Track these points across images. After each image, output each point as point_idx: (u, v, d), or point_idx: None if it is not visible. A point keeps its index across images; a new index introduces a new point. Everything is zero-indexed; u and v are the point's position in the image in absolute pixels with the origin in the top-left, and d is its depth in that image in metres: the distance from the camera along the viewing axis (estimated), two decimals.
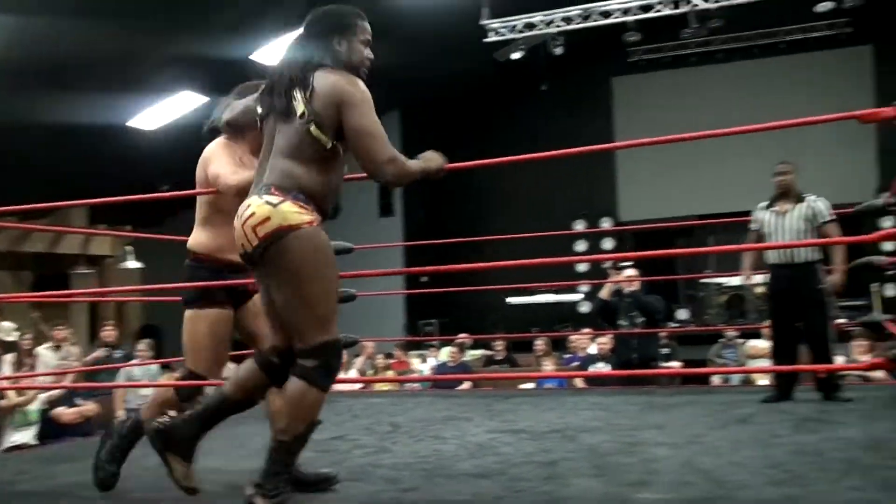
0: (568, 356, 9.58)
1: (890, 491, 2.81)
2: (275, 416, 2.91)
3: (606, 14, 11.36)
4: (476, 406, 5.54)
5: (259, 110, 2.84)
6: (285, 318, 2.71)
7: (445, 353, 10.26)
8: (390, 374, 10.14)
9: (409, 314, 15.56)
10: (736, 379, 8.41)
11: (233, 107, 3.31)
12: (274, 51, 10.77)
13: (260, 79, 3.07)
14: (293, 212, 2.60)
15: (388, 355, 10.67)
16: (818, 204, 5.54)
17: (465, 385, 8.70)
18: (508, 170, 14.87)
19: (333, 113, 2.66)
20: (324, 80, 2.69)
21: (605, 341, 8.21)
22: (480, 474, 3.32)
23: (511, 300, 14.97)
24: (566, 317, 14.53)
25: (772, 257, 5.62)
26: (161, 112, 11.51)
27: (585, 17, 11.39)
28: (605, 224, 15.15)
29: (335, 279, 2.73)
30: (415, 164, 2.83)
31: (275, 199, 2.61)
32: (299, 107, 2.67)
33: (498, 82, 14.66)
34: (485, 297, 14.67)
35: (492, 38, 11.72)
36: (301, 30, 2.86)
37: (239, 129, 3.29)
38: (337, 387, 7.87)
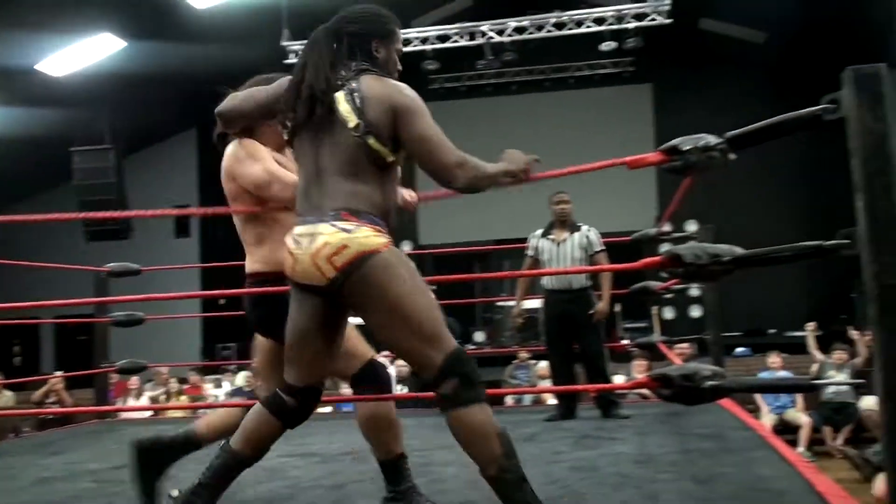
0: None
1: (657, 502, 3.02)
2: (472, 457, 2.44)
3: (406, 42, 11.61)
4: None
5: (285, 121, 2.56)
6: (393, 347, 2.55)
7: (242, 378, 10.08)
8: (184, 399, 9.85)
9: (206, 337, 15.16)
10: (528, 399, 8.74)
11: (231, 96, 2.85)
12: None
13: (275, 73, 2.85)
14: (370, 236, 2.40)
15: (183, 380, 10.35)
16: (591, 234, 5.89)
17: None
18: None
19: (389, 122, 2.42)
20: (373, 87, 2.44)
21: (403, 364, 8.34)
22: (269, 499, 3.31)
23: None
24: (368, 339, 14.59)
25: (549, 283, 5.88)
26: (74, 56, 10.75)
27: None
28: (406, 248, 15.37)
29: (429, 290, 2.51)
30: (492, 167, 2.53)
31: (350, 226, 2.39)
32: (350, 117, 2.42)
33: None
34: None
35: (292, 59, 11.70)
36: (330, 25, 2.57)
37: (240, 120, 2.85)
38: (124, 415, 7.59)
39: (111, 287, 5.86)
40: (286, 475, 3.82)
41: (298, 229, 2.47)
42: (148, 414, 7.61)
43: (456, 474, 3.70)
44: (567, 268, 5.80)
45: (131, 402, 9.36)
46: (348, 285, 2.39)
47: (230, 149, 3.04)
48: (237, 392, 9.69)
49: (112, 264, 5.62)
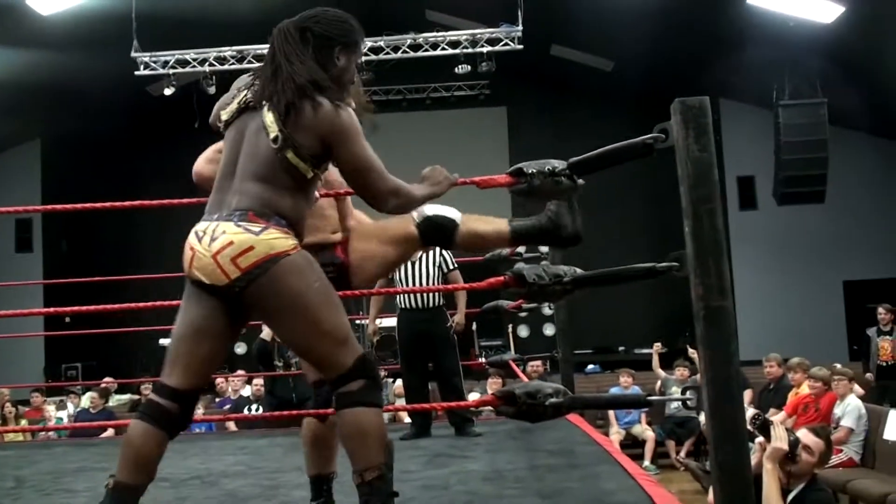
0: (220, 399, 9.43)
1: None
2: (352, 456, 2.41)
3: (260, 58, 11.49)
4: (113, 455, 5.23)
5: (223, 111, 2.51)
6: (303, 351, 2.49)
7: (87, 399, 9.68)
8: (24, 422, 9.36)
9: (50, 357, 14.49)
10: (385, 417, 8.73)
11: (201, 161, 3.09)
12: None
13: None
14: (279, 238, 2.32)
15: (24, 402, 9.84)
16: (445, 253, 5.87)
17: (108, 433, 8.26)
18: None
19: (317, 143, 2.36)
20: (312, 106, 2.35)
21: (259, 383, 8.22)
22: None
23: (164, 341, 14.45)
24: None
25: (404, 302, 5.89)
26: None
27: (241, 59, 11.47)
28: None
29: (336, 294, 2.46)
30: (420, 190, 2.56)
31: (255, 227, 2.31)
32: (272, 128, 2.35)
33: (153, 116, 14.26)
34: (134, 338, 14.01)
35: (143, 71, 11.40)
36: (297, 21, 2.47)
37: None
38: None
39: None
40: None
41: (201, 224, 2.39)
42: None
43: (306, 496, 3.67)
44: (421, 286, 5.79)
45: None
46: (254, 288, 2.31)
47: None
48: (83, 413, 9.29)
49: None
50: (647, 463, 9.12)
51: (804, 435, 4.01)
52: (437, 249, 5.86)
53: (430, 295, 5.77)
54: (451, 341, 5.85)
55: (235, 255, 2.30)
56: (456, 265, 5.91)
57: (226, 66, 11.55)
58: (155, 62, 11.38)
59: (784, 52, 11.04)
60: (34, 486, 4.22)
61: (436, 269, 5.83)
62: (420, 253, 5.84)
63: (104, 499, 2.43)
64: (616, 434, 9.47)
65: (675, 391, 9.32)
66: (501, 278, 2.65)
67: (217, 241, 2.32)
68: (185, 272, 2.41)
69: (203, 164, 3.09)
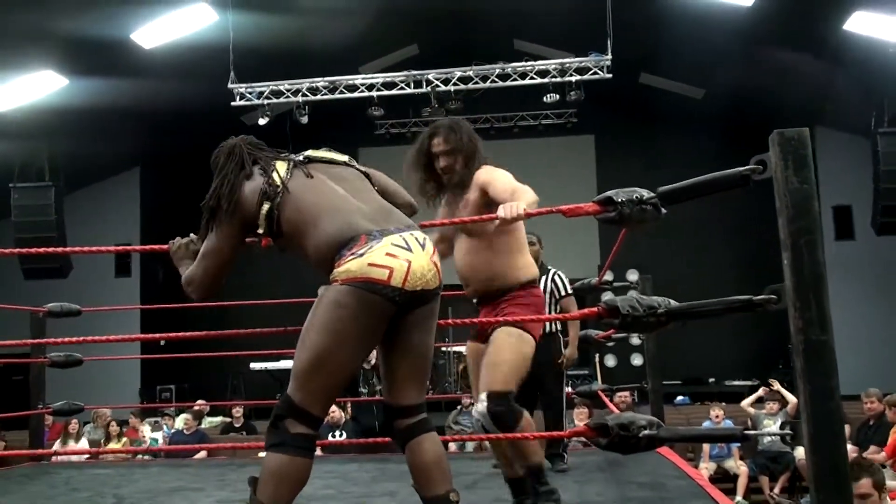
0: None
1: None
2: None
3: (352, 88, 11.73)
4: (208, 476, 5.41)
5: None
6: (426, 366, 2.68)
7: (181, 421, 9.93)
8: (125, 441, 9.67)
9: (145, 380, 14.91)
10: (470, 446, 8.72)
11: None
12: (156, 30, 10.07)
13: None
14: None
15: (121, 422, 10.16)
16: (558, 278, 5.64)
17: (201, 454, 8.45)
18: None
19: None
20: None
21: (334, 409, 8.35)
22: None
23: (255, 366, 14.75)
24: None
25: None
26: (15, 91, 10.57)
27: (332, 90, 11.69)
28: None
29: None
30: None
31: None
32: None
33: None
34: (226, 363, 14.34)
35: (239, 101, 11.74)
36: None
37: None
38: (60, 458, 7.42)
39: (48, 327, 5.75)
40: None
41: (395, 238, 2.53)
42: (85, 457, 7.44)
43: None
44: None
45: (72, 445, 9.14)
46: (429, 297, 2.59)
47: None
48: (177, 434, 9.53)
49: (51, 304, 5.51)
50: (739, 498, 8.89)
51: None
52: (549, 274, 5.63)
53: (547, 322, 5.38)
54: (560, 372, 5.51)
55: (438, 261, 2.58)
56: (570, 291, 5.64)
57: (318, 97, 11.81)
58: (250, 93, 11.71)
59: (882, 79, 10.75)
60: None
61: (547, 295, 5.52)
62: None
63: None
64: (706, 469, 9.26)
65: (767, 424, 9.08)
66: (595, 309, 2.64)
67: (428, 244, 2.56)
68: (395, 287, 2.46)
69: None
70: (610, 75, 11.49)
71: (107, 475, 5.63)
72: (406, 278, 2.45)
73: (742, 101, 13.58)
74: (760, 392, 9.79)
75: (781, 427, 8.61)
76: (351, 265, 2.44)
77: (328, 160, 2.81)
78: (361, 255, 2.44)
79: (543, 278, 5.54)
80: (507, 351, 3.30)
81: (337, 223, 2.54)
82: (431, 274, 2.52)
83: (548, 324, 5.44)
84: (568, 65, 11.72)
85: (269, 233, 2.66)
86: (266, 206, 2.63)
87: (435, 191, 3.53)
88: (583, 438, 7.20)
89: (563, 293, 5.59)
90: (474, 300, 3.57)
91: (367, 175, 2.87)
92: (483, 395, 3.14)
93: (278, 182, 2.65)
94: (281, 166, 2.72)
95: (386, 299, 2.44)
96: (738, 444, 9.48)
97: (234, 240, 2.73)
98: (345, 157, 2.87)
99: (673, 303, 2.50)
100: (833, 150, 13.81)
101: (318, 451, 7.92)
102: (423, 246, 2.53)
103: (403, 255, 2.46)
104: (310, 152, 2.83)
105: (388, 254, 2.45)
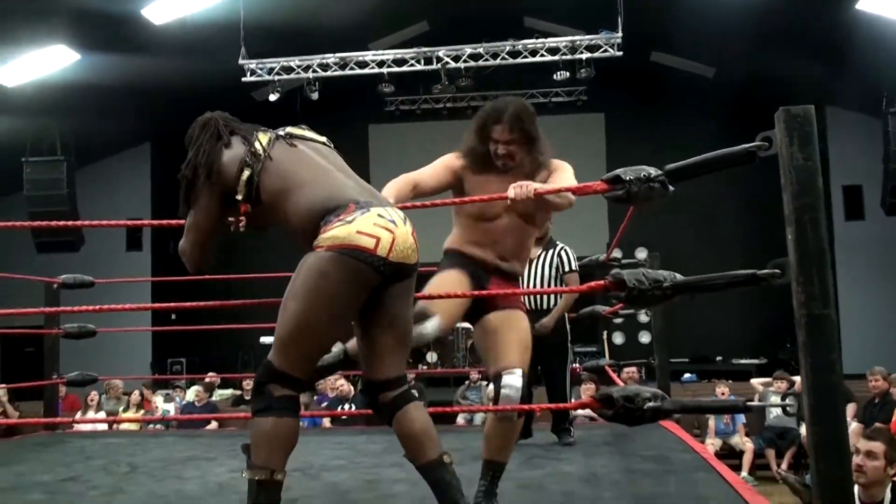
0: (317, 397, 9.66)
1: None
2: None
3: (362, 64, 11.73)
4: (220, 446, 5.48)
5: None
6: (408, 339, 2.72)
7: (193, 393, 10.04)
8: (142, 412, 9.80)
9: (156, 352, 15.04)
10: (479, 419, 8.81)
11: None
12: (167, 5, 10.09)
13: None
14: None
15: (133, 394, 10.27)
16: (564, 253, 5.54)
17: (212, 425, 8.55)
18: None
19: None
20: None
21: (342, 383, 8.50)
22: None
23: (265, 339, 14.82)
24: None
25: None
26: (26, 66, 10.61)
27: (343, 66, 11.70)
28: None
29: None
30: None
31: None
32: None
33: (258, 121, 14.64)
34: (236, 336, 14.43)
35: (249, 77, 11.76)
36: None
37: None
38: (74, 427, 7.53)
39: (61, 299, 5.81)
40: (238, 490, 3.76)
41: (380, 209, 2.56)
42: (99, 426, 7.55)
43: (405, 491, 3.76)
44: (536, 287, 5.44)
45: (91, 415, 9.28)
46: (406, 271, 2.61)
47: None
48: (188, 406, 9.64)
49: (65, 276, 5.58)
50: (744, 473, 8.95)
51: (861, 443, 3.89)
52: (556, 249, 5.54)
53: (546, 297, 5.42)
54: (564, 347, 5.50)
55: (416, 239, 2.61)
56: (576, 267, 5.53)
57: (328, 73, 11.82)
58: (261, 69, 11.73)
59: (894, 59, 10.71)
60: (147, 473, 4.43)
61: (552, 269, 5.48)
62: (538, 251, 5.51)
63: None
64: (711, 444, 9.32)
65: (775, 401, 9.12)
66: (602, 282, 2.68)
67: (409, 222, 2.60)
68: (380, 257, 2.49)
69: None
70: (620, 53, 11.48)
71: (120, 444, 5.71)
72: (391, 249, 2.49)
73: (753, 80, 13.53)
74: (771, 380, 9.82)
75: (783, 398, 8.68)
76: (339, 231, 2.46)
77: (309, 138, 2.85)
78: (350, 221, 2.46)
79: (550, 252, 5.51)
80: (528, 336, 3.37)
81: (325, 190, 2.58)
82: (412, 249, 2.57)
83: (548, 299, 5.45)
84: (578, 42, 11.70)
85: (247, 199, 2.68)
86: (247, 173, 2.66)
87: (485, 165, 3.39)
88: (590, 413, 7.31)
89: (566, 269, 5.51)
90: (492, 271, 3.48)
91: None
92: (518, 371, 3.17)
93: (260, 150, 2.68)
94: (263, 137, 2.76)
95: (371, 268, 2.47)
96: (744, 421, 9.56)
97: (214, 210, 2.78)
98: (323, 139, 2.90)
99: (679, 277, 2.54)
100: (844, 130, 13.78)
101: (327, 423, 8.08)
102: (405, 221, 2.58)
103: (390, 226, 2.50)
104: (291, 129, 2.86)
105: (375, 224, 2.48)
